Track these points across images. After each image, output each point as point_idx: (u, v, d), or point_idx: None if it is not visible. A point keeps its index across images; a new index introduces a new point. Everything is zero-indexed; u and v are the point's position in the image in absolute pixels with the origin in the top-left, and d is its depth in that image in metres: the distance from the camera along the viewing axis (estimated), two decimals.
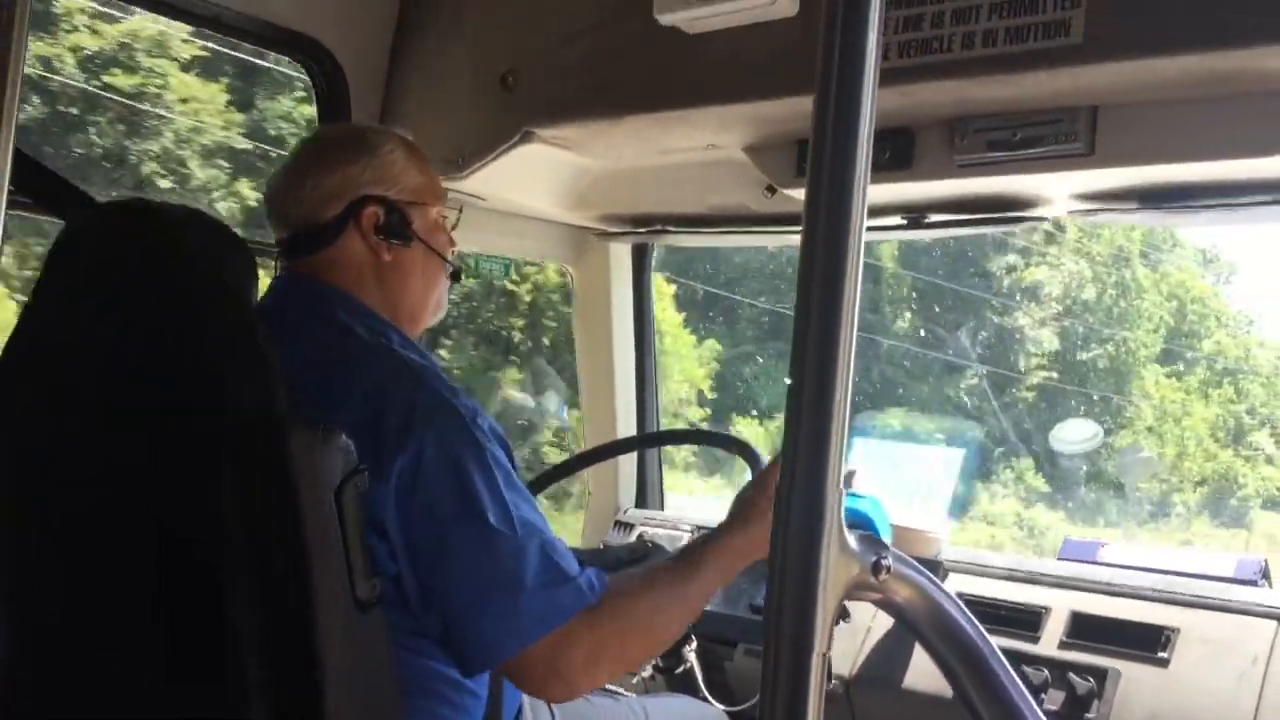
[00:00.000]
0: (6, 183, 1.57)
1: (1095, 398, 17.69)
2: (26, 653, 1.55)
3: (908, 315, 17.55)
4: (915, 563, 0.85)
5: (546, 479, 2.60)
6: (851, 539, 0.80)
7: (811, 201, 0.86)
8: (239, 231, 1.63)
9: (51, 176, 1.95)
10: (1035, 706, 0.84)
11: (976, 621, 0.85)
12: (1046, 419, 16.63)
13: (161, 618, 1.42)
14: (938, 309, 17.67)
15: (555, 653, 1.52)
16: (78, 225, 1.63)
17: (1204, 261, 19.76)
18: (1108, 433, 16.18)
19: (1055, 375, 17.40)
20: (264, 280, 1.65)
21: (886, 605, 0.85)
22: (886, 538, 2.18)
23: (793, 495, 0.79)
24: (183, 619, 1.41)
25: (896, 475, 2.85)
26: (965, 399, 17.03)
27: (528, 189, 2.73)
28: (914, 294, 17.69)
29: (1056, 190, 2.17)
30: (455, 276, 1.88)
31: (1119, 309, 18.26)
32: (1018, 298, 17.94)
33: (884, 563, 0.82)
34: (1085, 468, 15.58)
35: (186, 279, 1.46)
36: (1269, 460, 17.13)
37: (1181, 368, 18.35)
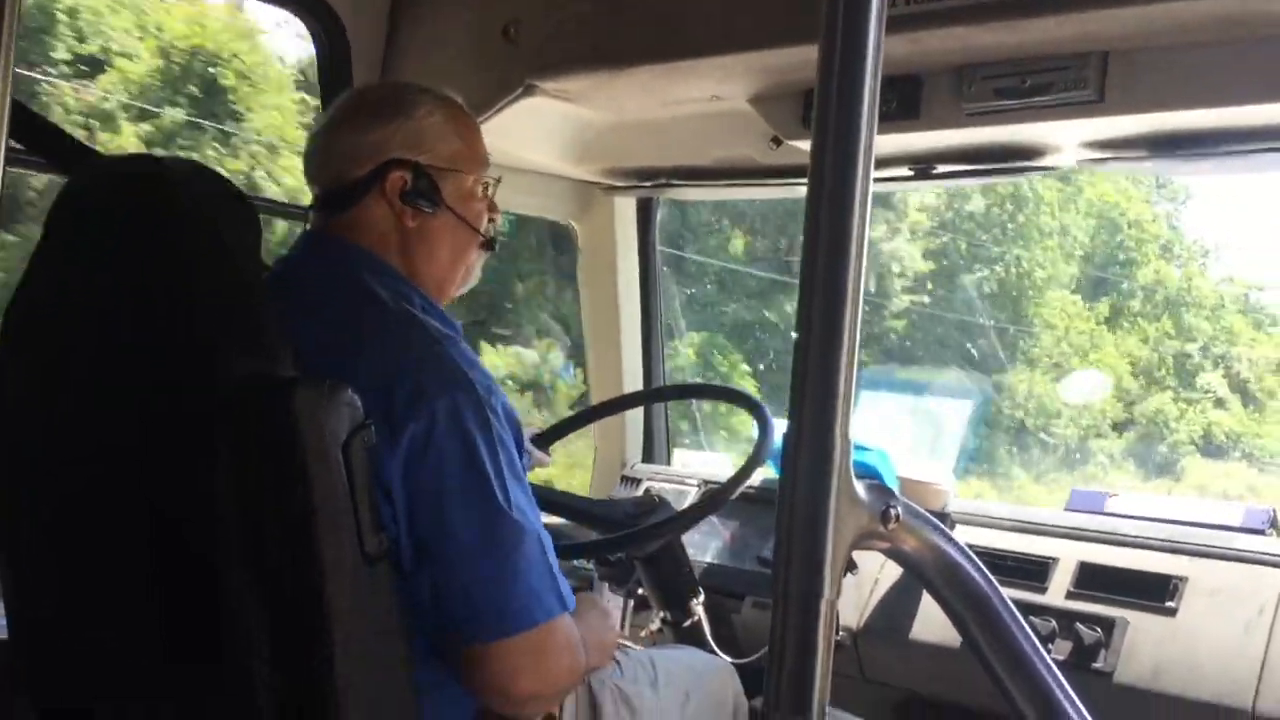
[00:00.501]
0: (5, 136, 1.55)
1: (984, 325, 15.65)
2: (30, 630, 1.56)
3: (740, 234, 14.00)
4: (924, 512, 0.85)
5: (555, 433, 2.60)
6: (860, 488, 0.80)
7: (817, 152, 0.85)
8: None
9: (54, 130, 1.93)
10: (1045, 654, 0.84)
11: (986, 571, 0.85)
12: (919, 353, 14.37)
13: (168, 578, 1.43)
14: (774, 223, 14.40)
15: (535, 648, 1.53)
16: (78, 183, 1.61)
17: (1156, 185, 17.94)
18: (998, 370, 14.66)
19: (927, 301, 14.96)
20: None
21: (895, 554, 0.85)
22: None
23: (800, 444, 0.78)
24: (188, 580, 1.42)
25: (903, 428, 2.85)
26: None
27: (531, 143, 2.71)
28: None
29: (1066, 138, 2.15)
30: (489, 245, 1.83)
31: (1015, 225, 15.99)
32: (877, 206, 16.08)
33: (893, 511, 0.81)
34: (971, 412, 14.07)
35: (180, 237, 1.44)
36: (1220, 403, 15.92)
37: (1116, 298, 16.69)
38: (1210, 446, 15.38)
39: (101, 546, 1.46)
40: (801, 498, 0.77)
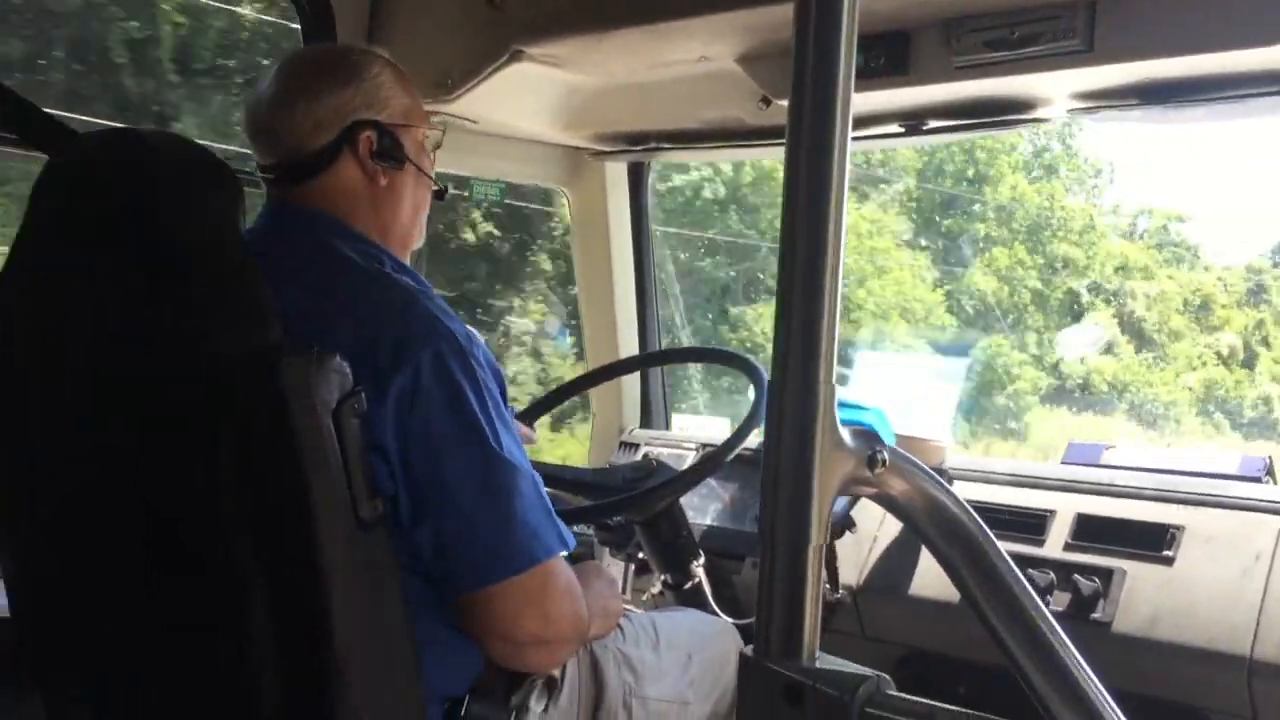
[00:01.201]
0: None
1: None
2: (33, 607, 1.57)
3: None
4: (911, 457, 0.85)
5: (550, 400, 2.60)
6: (846, 434, 0.80)
7: (795, 110, 0.85)
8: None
9: (31, 109, 1.91)
10: (1034, 595, 0.84)
11: (974, 513, 0.85)
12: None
13: (167, 553, 1.43)
14: None
15: (537, 587, 1.55)
16: (60, 161, 1.60)
17: None
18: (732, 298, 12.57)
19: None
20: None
21: (883, 500, 0.85)
22: None
23: (785, 391, 0.78)
24: (187, 554, 1.42)
25: (900, 386, 2.85)
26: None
27: (519, 109, 2.69)
28: None
29: (1056, 90, 2.14)
30: (439, 196, 1.87)
31: None
32: None
33: (879, 456, 0.81)
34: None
35: (164, 208, 1.43)
36: (1107, 348, 14.62)
37: (960, 219, 14.95)
38: (1086, 397, 14.15)
39: (104, 539, 1.46)
40: (787, 445, 0.78)
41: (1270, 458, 2.30)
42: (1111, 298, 15.65)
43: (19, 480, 1.55)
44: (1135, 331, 15.41)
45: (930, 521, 0.86)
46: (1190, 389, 14.95)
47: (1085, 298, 15.43)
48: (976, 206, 15.32)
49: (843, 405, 0.82)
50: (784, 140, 0.86)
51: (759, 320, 12.27)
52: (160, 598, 1.44)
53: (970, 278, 14.87)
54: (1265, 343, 16.14)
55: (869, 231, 13.88)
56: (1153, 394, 14.75)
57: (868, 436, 0.82)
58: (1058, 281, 15.31)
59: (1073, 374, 14.69)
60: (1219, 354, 15.75)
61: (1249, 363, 15.64)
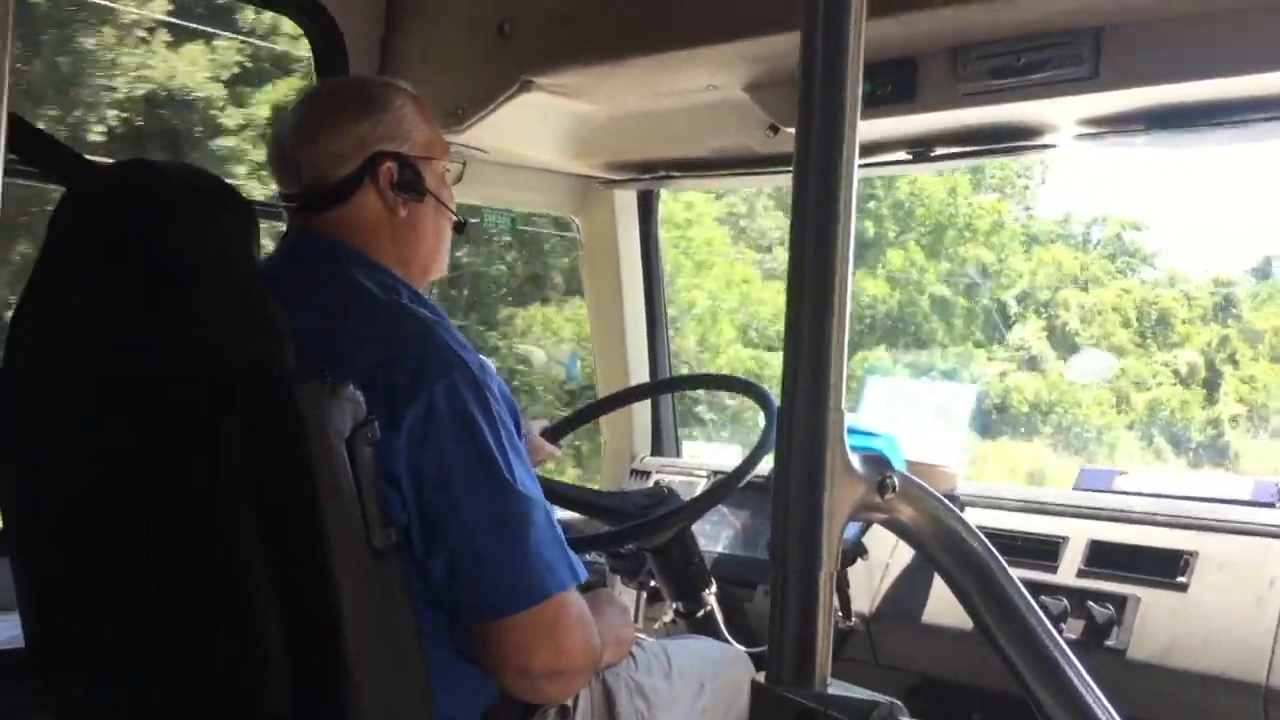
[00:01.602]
0: (2, 148, 1.57)
1: None
2: (43, 628, 1.58)
3: None
4: (921, 482, 0.85)
5: (563, 428, 2.61)
6: (855, 460, 0.80)
7: (803, 137, 0.86)
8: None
9: (51, 142, 1.94)
10: (1045, 619, 0.84)
11: (984, 538, 0.85)
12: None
13: (177, 581, 1.44)
14: None
15: (551, 619, 1.54)
16: (77, 192, 1.62)
17: None
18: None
19: None
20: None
21: (893, 525, 0.85)
22: None
23: (795, 417, 0.79)
24: (198, 580, 1.42)
25: (910, 413, 2.85)
26: None
27: (529, 139, 2.71)
28: None
29: (1062, 116, 2.15)
30: (460, 229, 1.88)
31: None
32: None
33: (890, 482, 0.82)
34: None
35: (178, 238, 1.45)
36: (1032, 363, 13.46)
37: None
38: (1002, 418, 13.02)
39: (107, 543, 1.47)
40: (797, 471, 0.78)
41: None
42: (1042, 309, 14.91)
43: (27, 494, 1.56)
44: (1069, 346, 14.54)
45: (941, 547, 0.86)
46: (1124, 410, 13.81)
47: (1014, 308, 14.48)
48: (871, 203, 14.11)
49: (852, 432, 0.82)
50: (791, 168, 0.87)
51: (539, 324, 11.42)
52: (171, 617, 1.44)
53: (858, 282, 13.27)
54: (1232, 361, 15.42)
55: (686, 220, 12.59)
56: (1083, 415, 13.89)
57: (878, 462, 0.82)
58: (978, 288, 14.31)
59: (988, 392, 13.82)
60: (1176, 372, 15.01)
61: (1212, 382, 14.99)
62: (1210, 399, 14.62)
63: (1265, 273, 17.56)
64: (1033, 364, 13.89)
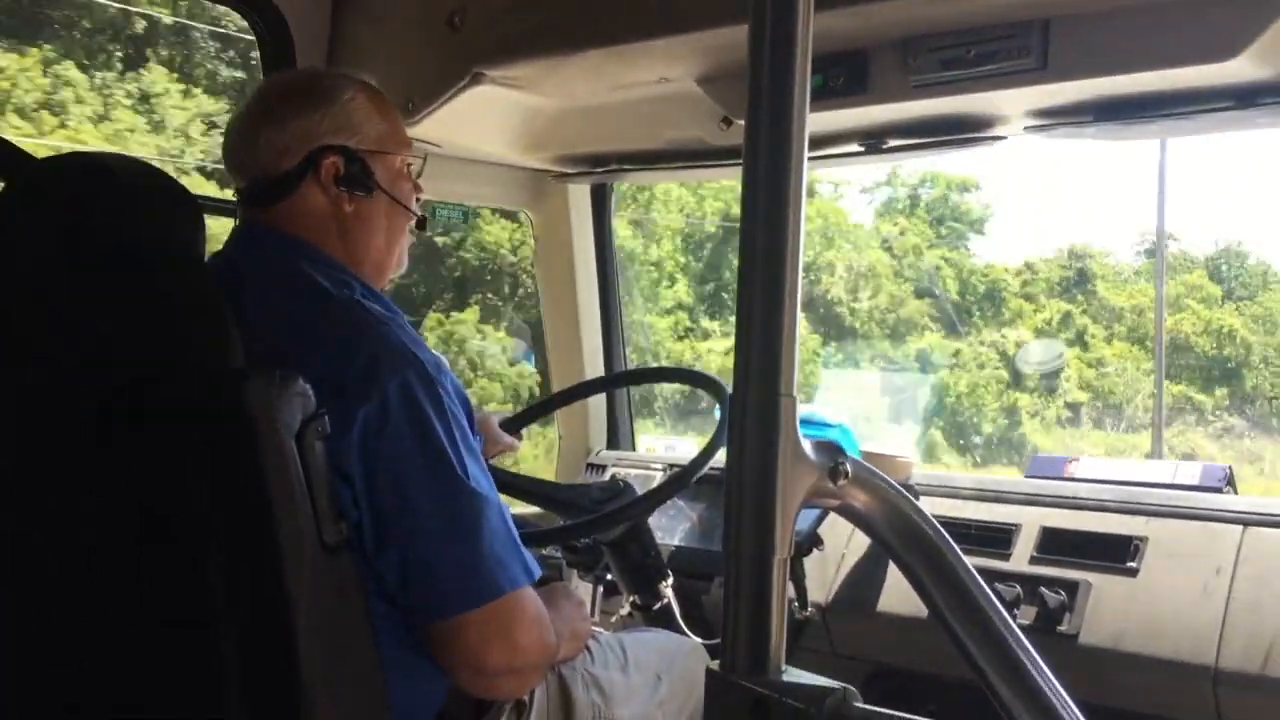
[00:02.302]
0: None
1: None
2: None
3: None
4: (874, 469, 0.85)
5: (522, 419, 2.59)
6: (808, 446, 0.80)
7: (752, 129, 0.86)
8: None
9: None
10: (997, 603, 0.84)
11: (937, 524, 0.86)
12: None
13: (127, 580, 1.41)
14: None
15: (504, 617, 1.54)
16: (19, 184, 1.59)
17: None
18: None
19: None
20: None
21: (846, 511, 0.85)
22: None
23: (747, 404, 0.78)
24: (148, 578, 1.40)
25: (866, 403, 2.86)
26: None
27: (481, 133, 2.69)
28: None
29: (1012, 107, 2.16)
30: (420, 225, 1.85)
31: None
32: None
33: (842, 468, 0.81)
34: None
35: (126, 232, 1.43)
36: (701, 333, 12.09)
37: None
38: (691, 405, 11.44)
39: (56, 545, 1.44)
40: (750, 458, 0.78)
41: (1230, 468, 2.33)
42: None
43: None
44: (830, 320, 13.35)
45: (894, 533, 0.86)
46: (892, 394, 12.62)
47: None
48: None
49: (807, 423, 0.82)
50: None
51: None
52: (123, 617, 1.42)
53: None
54: (1081, 341, 14.70)
55: None
56: (822, 400, 13.01)
57: (830, 449, 0.82)
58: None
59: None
60: (1004, 354, 14.21)
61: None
62: (1018, 385, 13.86)
63: (1153, 251, 17.50)
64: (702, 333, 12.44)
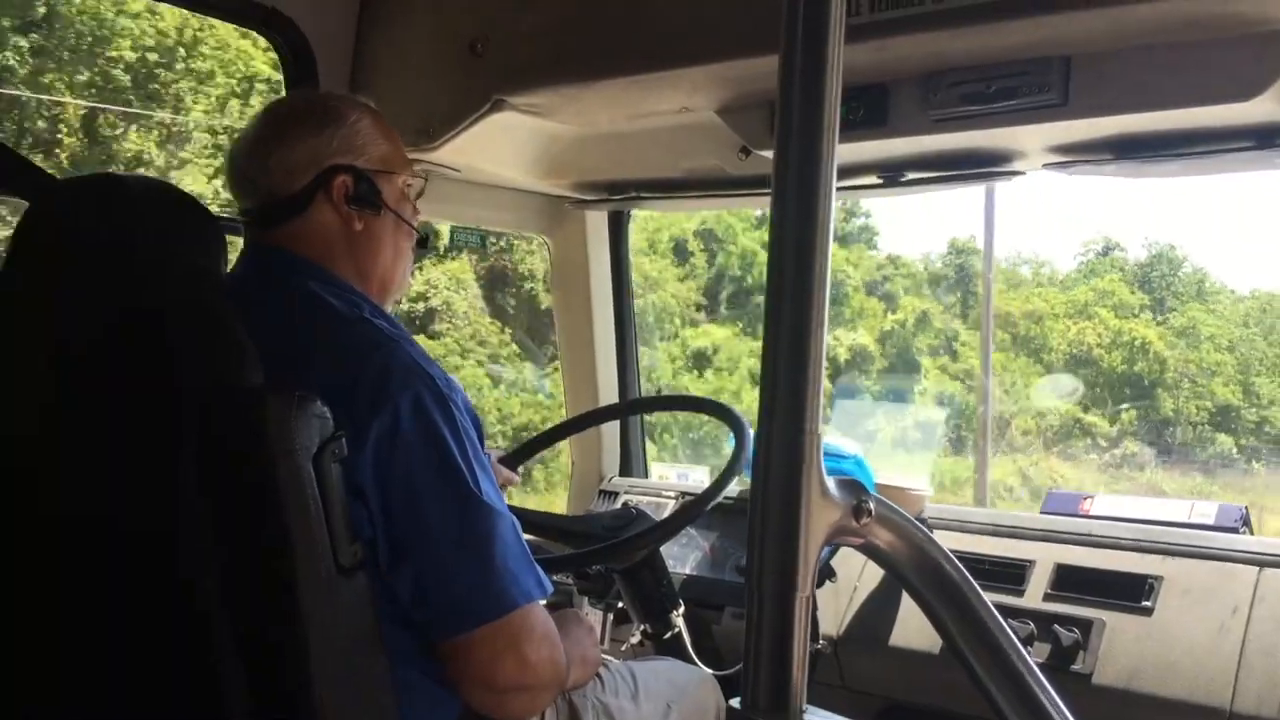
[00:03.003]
0: None
1: None
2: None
3: None
4: (897, 507, 0.85)
5: (529, 449, 2.59)
6: (831, 484, 0.80)
7: (780, 161, 0.86)
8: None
9: (12, 156, 1.91)
10: (1020, 646, 0.84)
11: (959, 564, 0.85)
12: None
13: (141, 603, 1.41)
14: None
15: (515, 632, 1.54)
16: (40, 206, 1.60)
17: None
18: None
19: None
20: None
21: (869, 550, 0.85)
22: None
23: (771, 440, 0.78)
24: (162, 599, 1.40)
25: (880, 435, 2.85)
26: None
27: (500, 158, 2.70)
28: None
29: (1031, 143, 2.17)
30: (423, 244, 1.88)
31: None
32: None
33: (865, 506, 0.81)
34: None
35: (152, 254, 1.43)
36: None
37: None
38: None
39: (69, 566, 1.44)
40: (773, 495, 0.78)
41: (1246, 508, 2.32)
42: None
43: None
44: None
45: (917, 572, 0.86)
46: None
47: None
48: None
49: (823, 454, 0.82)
50: (763, 189, 0.87)
51: None
52: (134, 639, 1.42)
53: None
54: (949, 350, 12.98)
55: None
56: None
57: (854, 486, 0.82)
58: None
59: None
60: (832, 360, 12.86)
61: (901, 371, 13.27)
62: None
63: (1106, 249, 16.55)
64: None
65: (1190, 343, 16.58)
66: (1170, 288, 17.86)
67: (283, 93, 2.68)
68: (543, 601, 1.61)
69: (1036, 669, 0.86)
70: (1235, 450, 15.19)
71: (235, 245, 1.86)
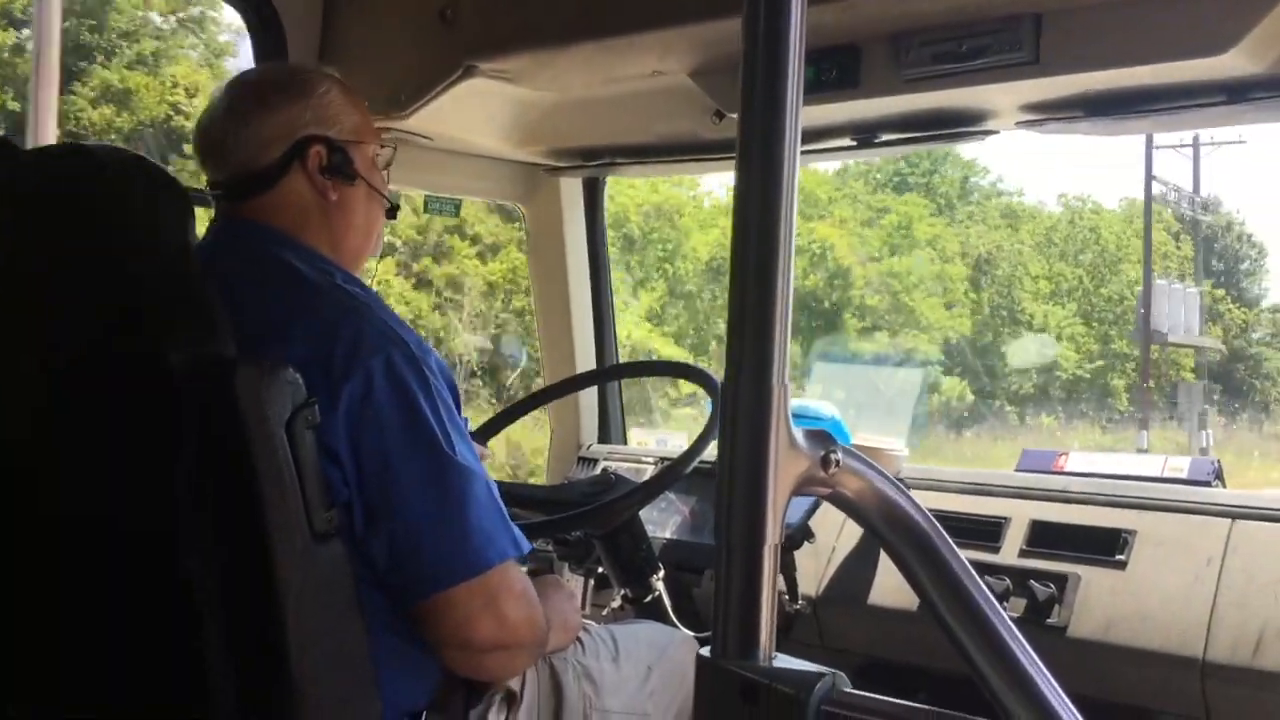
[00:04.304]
0: None
1: None
2: None
3: None
4: (865, 457, 0.86)
5: (505, 417, 2.59)
6: (799, 435, 0.80)
7: (745, 123, 0.87)
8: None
9: None
10: (985, 588, 0.85)
11: (927, 512, 0.86)
12: None
13: (118, 575, 1.41)
14: None
15: (492, 590, 1.55)
16: (6, 175, 1.58)
17: None
18: None
19: None
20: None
21: (837, 500, 0.86)
22: None
23: (738, 393, 0.79)
24: (140, 569, 1.40)
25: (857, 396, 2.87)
26: None
27: (473, 125, 2.69)
28: None
29: (1004, 102, 2.17)
30: (391, 213, 1.89)
31: None
32: None
33: (833, 456, 0.82)
34: None
35: (113, 223, 1.43)
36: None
37: None
38: None
39: (44, 541, 1.44)
40: (741, 446, 0.78)
41: (1218, 460, 2.34)
42: None
43: None
44: None
45: (885, 521, 0.87)
46: None
47: None
48: None
49: (799, 416, 0.83)
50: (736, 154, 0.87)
51: None
52: (114, 612, 1.42)
53: None
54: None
55: None
56: None
57: (822, 437, 0.82)
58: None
59: None
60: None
61: None
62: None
63: None
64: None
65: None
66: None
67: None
68: (522, 564, 1.62)
69: (1004, 614, 0.87)
70: None
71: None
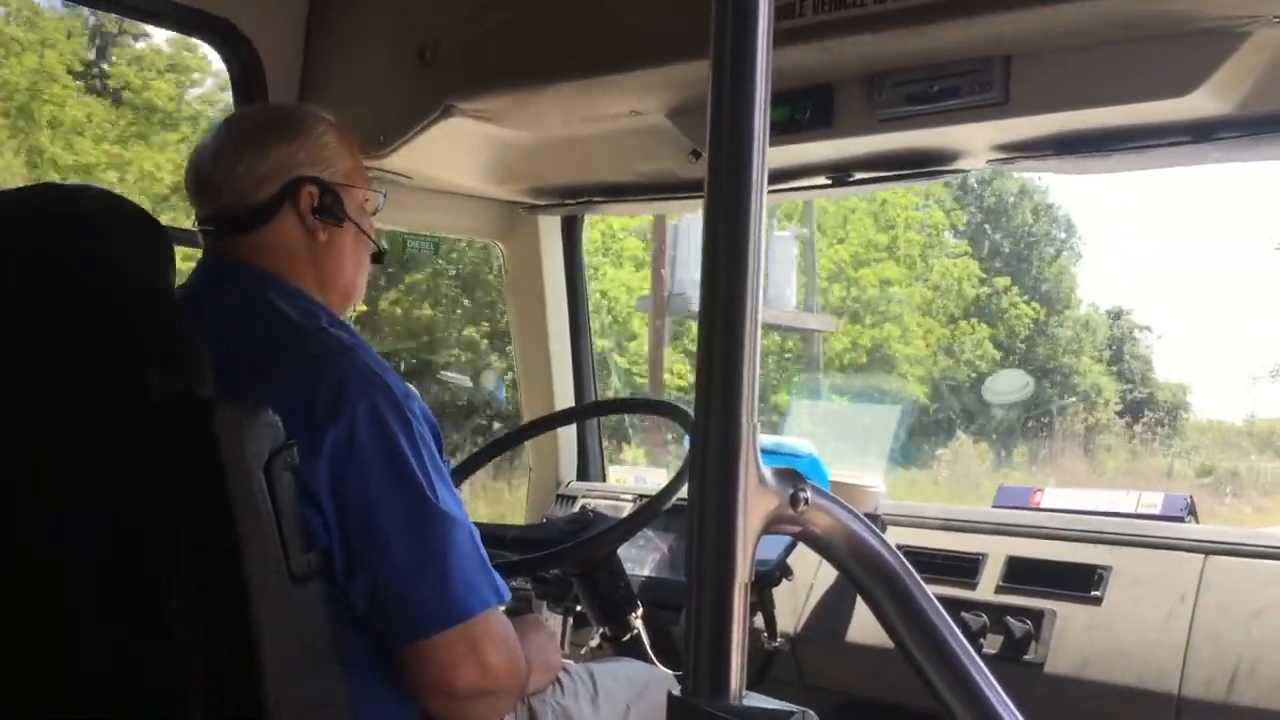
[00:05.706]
0: None
1: None
2: None
3: None
4: (834, 495, 0.87)
5: (485, 455, 2.59)
6: (769, 473, 0.81)
7: (713, 163, 0.88)
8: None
9: None
10: (954, 626, 0.85)
11: (895, 550, 0.87)
12: None
13: (98, 612, 1.40)
14: None
15: (474, 638, 1.55)
16: None
17: None
18: None
19: None
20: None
21: (807, 537, 0.87)
22: None
23: (708, 431, 0.79)
24: (118, 609, 1.39)
25: (835, 434, 2.88)
26: None
27: (452, 164, 2.71)
28: None
29: (975, 142, 2.20)
30: (377, 258, 1.89)
31: None
32: None
33: (802, 495, 0.83)
34: None
35: (92, 263, 1.43)
36: None
37: None
38: None
39: (25, 579, 1.43)
40: (711, 484, 0.79)
41: (1191, 497, 2.36)
42: None
43: None
44: None
45: (853, 558, 0.87)
46: None
47: None
48: None
49: (776, 453, 0.84)
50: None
51: None
52: (88, 651, 1.41)
53: None
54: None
55: None
56: None
57: (791, 475, 0.83)
58: None
59: None
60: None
61: None
62: None
63: None
64: None
65: None
66: None
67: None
68: (501, 608, 1.62)
69: (971, 649, 0.88)
70: None
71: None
